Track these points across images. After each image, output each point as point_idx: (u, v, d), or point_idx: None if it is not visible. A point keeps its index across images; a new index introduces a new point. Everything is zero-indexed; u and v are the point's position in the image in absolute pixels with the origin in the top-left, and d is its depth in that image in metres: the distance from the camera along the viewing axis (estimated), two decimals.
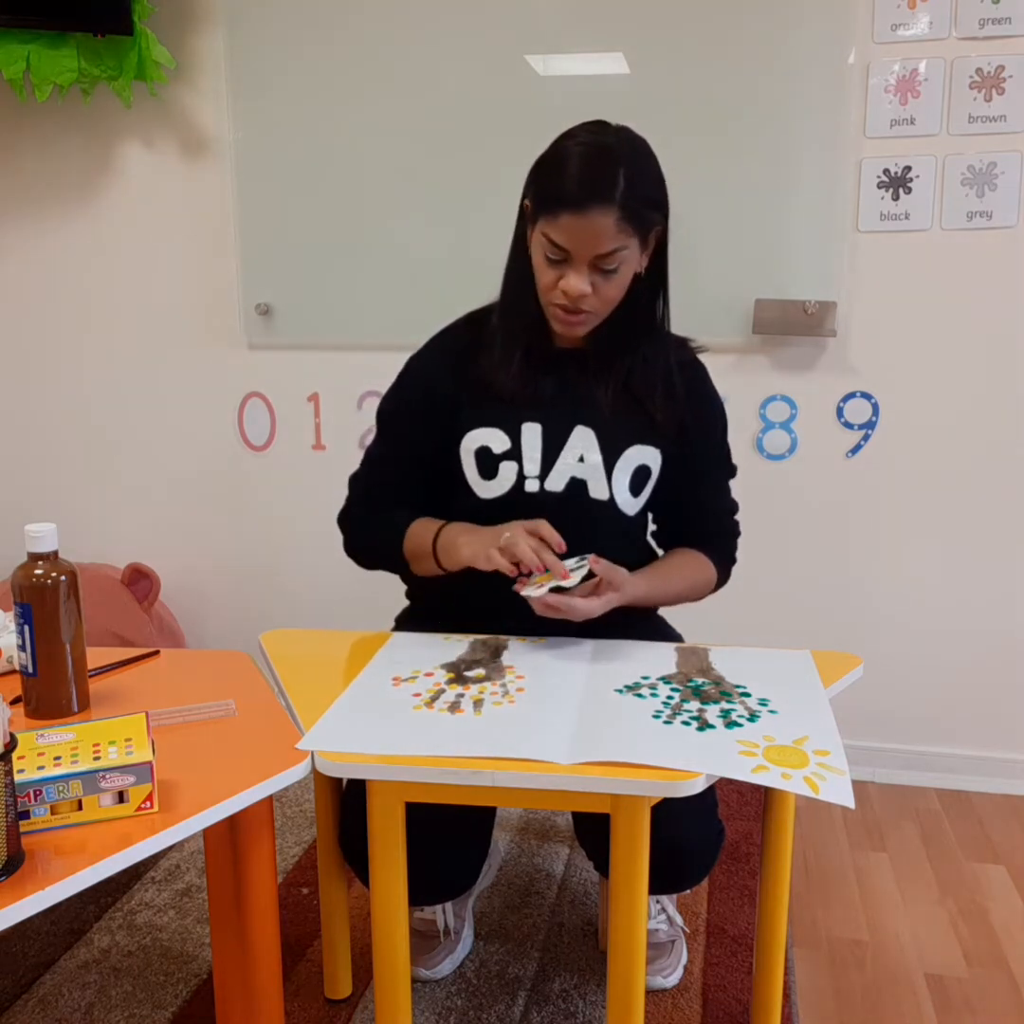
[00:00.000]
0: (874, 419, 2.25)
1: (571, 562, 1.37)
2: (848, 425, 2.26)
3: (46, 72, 2.23)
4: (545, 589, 1.33)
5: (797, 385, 2.27)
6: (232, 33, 2.33)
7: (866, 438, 2.26)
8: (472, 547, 1.39)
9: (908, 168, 2.12)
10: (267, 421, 2.52)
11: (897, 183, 2.13)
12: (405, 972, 1.20)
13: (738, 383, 2.26)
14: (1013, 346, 2.16)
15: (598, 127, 1.38)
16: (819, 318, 2.17)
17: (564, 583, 1.33)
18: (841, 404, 2.25)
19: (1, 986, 1.61)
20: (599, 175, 1.32)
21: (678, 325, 1.54)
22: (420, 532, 1.48)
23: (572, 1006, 1.56)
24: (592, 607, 1.35)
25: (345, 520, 1.58)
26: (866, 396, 2.24)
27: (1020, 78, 2.04)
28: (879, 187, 2.14)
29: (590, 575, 1.36)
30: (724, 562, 1.58)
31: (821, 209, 2.16)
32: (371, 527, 1.55)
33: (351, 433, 2.46)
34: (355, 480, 1.59)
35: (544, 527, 1.37)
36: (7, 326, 2.61)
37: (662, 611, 1.64)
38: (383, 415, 1.57)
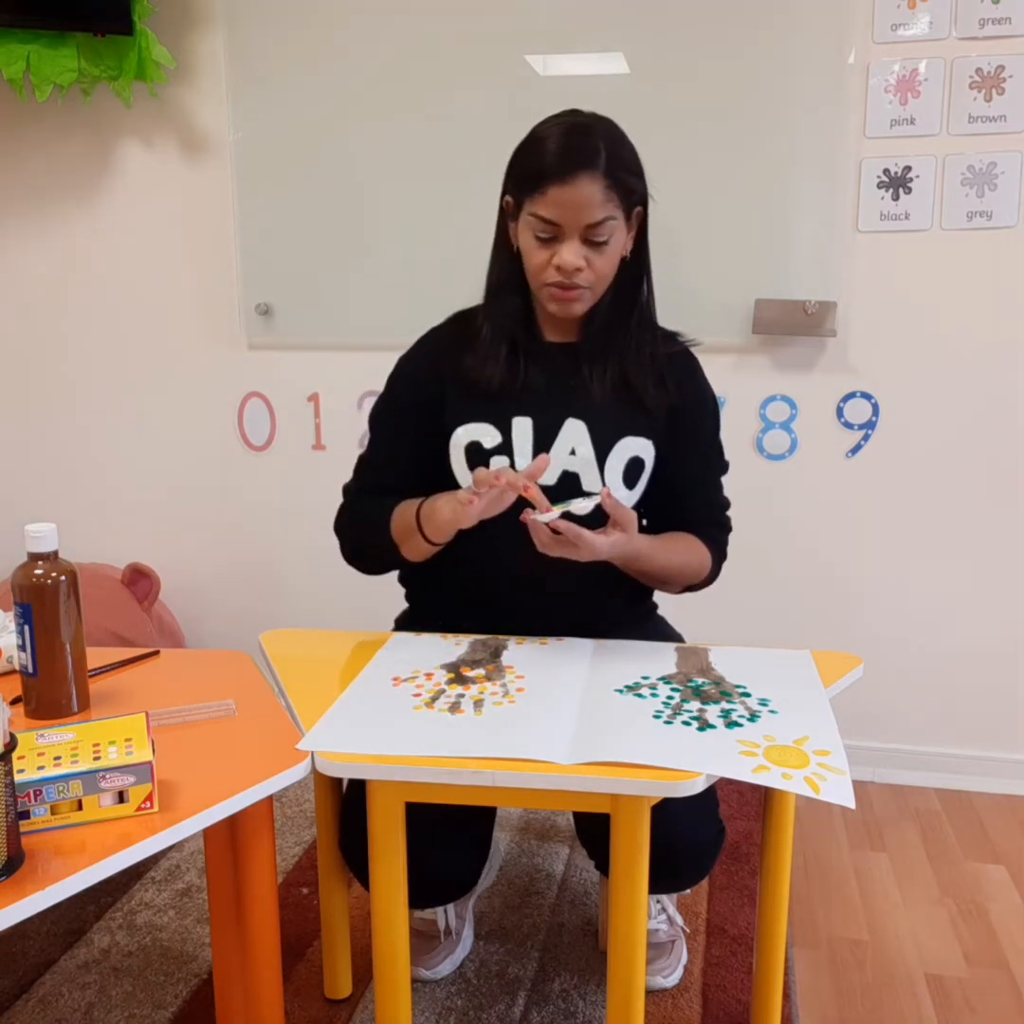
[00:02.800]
0: (874, 419, 2.25)
1: (580, 500, 1.34)
2: (848, 425, 2.26)
3: (46, 72, 2.23)
4: (556, 514, 1.29)
5: (797, 385, 2.27)
6: (232, 33, 2.33)
7: (866, 438, 2.26)
8: (451, 503, 1.36)
9: (908, 168, 2.12)
10: (267, 421, 2.52)
11: (897, 183, 2.13)
12: (405, 972, 1.20)
13: (738, 383, 2.26)
14: (1013, 346, 2.15)
15: (571, 112, 1.42)
16: (819, 318, 2.17)
17: (576, 511, 1.30)
18: (841, 404, 2.25)
19: (1, 986, 1.61)
20: (581, 145, 1.35)
21: (679, 325, 1.54)
22: (403, 511, 1.46)
23: (572, 1006, 1.56)
24: (599, 544, 1.32)
25: (339, 526, 1.56)
26: (866, 396, 2.24)
27: (1020, 78, 2.04)
28: (879, 187, 2.14)
29: (599, 510, 1.32)
30: (717, 553, 1.55)
31: (821, 209, 2.16)
32: (360, 522, 1.54)
33: (351, 433, 2.46)
34: (347, 489, 1.58)
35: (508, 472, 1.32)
36: (7, 326, 2.60)
37: (662, 611, 1.64)
38: (374, 417, 1.57)
